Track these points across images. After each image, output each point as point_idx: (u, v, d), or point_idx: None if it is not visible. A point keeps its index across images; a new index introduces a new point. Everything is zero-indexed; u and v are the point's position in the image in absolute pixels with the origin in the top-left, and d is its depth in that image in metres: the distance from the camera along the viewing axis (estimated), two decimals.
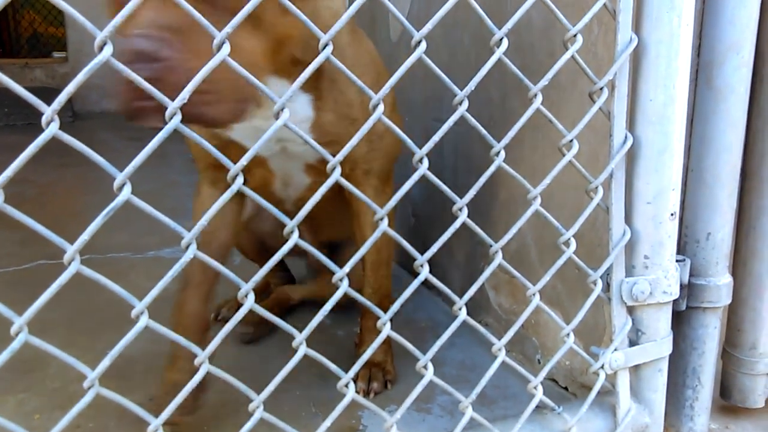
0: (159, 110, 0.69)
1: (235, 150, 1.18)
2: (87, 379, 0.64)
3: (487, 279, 1.67)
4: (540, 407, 1.06)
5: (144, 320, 0.66)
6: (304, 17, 0.70)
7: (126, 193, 0.62)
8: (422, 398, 1.41)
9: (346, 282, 0.80)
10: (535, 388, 1.00)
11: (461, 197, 0.87)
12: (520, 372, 1.02)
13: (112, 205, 0.61)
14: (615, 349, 1.04)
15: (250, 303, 0.73)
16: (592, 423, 1.06)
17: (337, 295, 0.80)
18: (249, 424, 0.78)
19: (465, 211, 0.88)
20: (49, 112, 0.56)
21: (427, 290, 2.04)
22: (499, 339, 0.96)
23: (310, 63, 0.99)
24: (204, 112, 0.84)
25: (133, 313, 0.66)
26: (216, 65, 0.64)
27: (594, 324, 1.31)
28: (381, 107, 0.76)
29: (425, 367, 0.90)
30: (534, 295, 0.97)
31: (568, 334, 1.02)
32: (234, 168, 0.68)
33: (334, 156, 0.77)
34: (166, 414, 0.69)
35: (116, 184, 0.62)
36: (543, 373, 1.00)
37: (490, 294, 1.71)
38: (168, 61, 0.79)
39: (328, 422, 0.82)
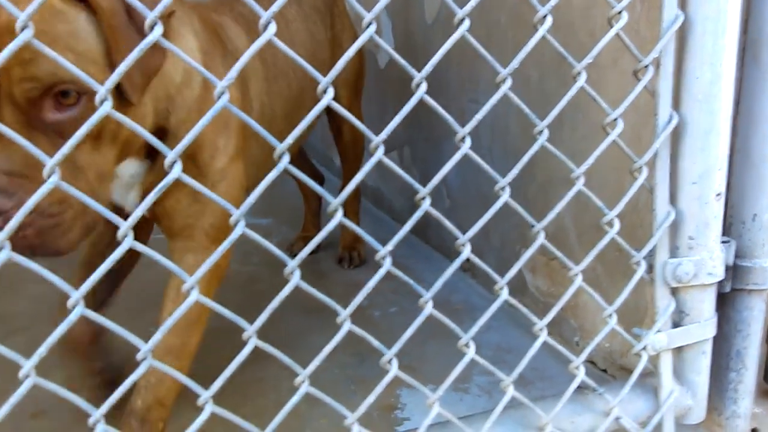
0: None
1: None
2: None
3: (525, 262, 1.67)
4: (581, 388, 1.05)
5: None
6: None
7: None
8: (460, 378, 1.41)
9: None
10: (576, 368, 1.00)
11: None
12: (561, 352, 1.01)
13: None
14: (658, 331, 1.03)
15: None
16: (634, 404, 1.05)
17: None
18: (294, 399, 0.80)
19: (507, 191, 0.88)
20: None
21: (462, 273, 2.05)
22: (537, 320, 0.96)
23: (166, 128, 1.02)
24: (49, 244, 0.83)
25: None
26: (46, 192, 0.58)
27: (635, 306, 1.30)
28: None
29: (467, 345, 0.91)
30: (576, 275, 0.97)
31: (611, 315, 1.01)
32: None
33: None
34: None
35: None
36: (585, 354, 1.00)
37: (527, 277, 1.70)
38: (14, 210, 0.76)
39: (371, 398, 0.83)
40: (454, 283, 2.01)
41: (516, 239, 1.78)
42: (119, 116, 0.61)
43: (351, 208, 2.16)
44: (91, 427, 0.64)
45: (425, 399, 0.90)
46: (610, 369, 1.41)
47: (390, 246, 0.83)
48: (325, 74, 0.69)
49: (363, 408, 0.83)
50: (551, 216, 0.91)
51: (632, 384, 1.03)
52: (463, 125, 0.82)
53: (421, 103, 0.79)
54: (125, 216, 0.61)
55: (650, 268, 1.05)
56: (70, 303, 0.59)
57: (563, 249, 1.52)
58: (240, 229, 0.69)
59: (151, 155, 1.06)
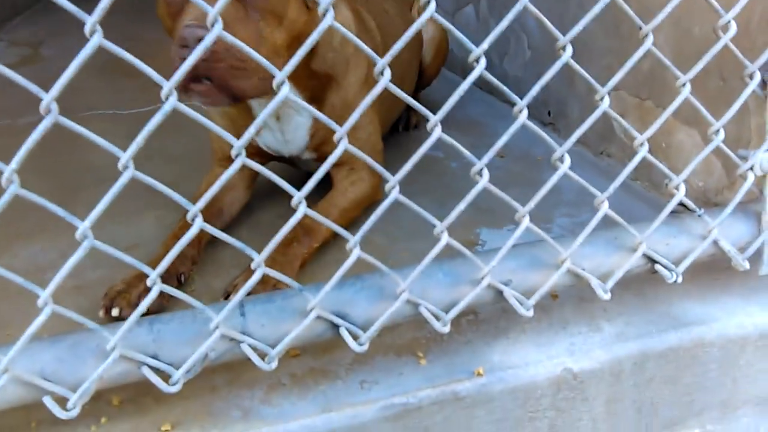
0: (208, 92, 1.03)
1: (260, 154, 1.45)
2: None
3: (613, 106, 1.57)
4: (676, 212, 1.01)
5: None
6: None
7: None
8: (542, 218, 1.39)
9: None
10: (676, 188, 0.95)
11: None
12: (650, 198, 0.96)
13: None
14: (767, 150, 0.95)
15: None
16: (734, 228, 1.00)
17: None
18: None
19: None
20: None
21: (543, 126, 1.97)
22: (623, 169, 0.89)
23: (323, 75, 1.32)
24: (235, 85, 1.04)
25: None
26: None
27: (737, 135, 1.21)
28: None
29: (560, 159, 0.86)
30: (684, 85, 0.89)
31: (717, 131, 0.94)
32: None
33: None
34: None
35: None
36: (686, 172, 0.94)
37: (614, 122, 1.62)
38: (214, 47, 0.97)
39: (462, 205, 0.81)
40: (534, 138, 1.95)
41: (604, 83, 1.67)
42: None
43: None
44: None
45: (504, 238, 0.87)
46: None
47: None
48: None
49: (453, 215, 0.82)
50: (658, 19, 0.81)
51: (734, 207, 0.97)
52: None
53: None
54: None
55: (764, 84, 0.96)
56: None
57: (659, 89, 1.43)
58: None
59: (316, 99, 1.32)
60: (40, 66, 3.07)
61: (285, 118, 1.34)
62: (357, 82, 1.40)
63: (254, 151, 1.43)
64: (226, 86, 1.04)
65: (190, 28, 0.96)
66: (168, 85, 0.65)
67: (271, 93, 1.02)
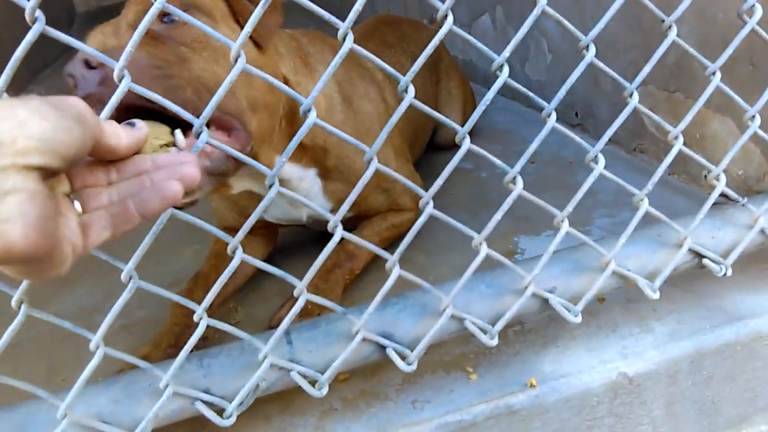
0: None
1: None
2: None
3: (642, 100, 1.55)
4: (718, 204, 0.99)
5: None
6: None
7: None
8: (581, 221, 1.37)
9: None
10: (716, 178, 0.93)
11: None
12: (689, 191, 0.94)
13: None
14: None
15: None
16: None
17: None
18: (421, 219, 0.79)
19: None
20: None
21: (572, 128, 1.95)
22: (659, 164, 0.88)
23: (312, 148, 1.19)
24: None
25: None
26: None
27: None
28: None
29: (594, 160, 0.85)
30: (713, 74, 0.87)
31: (753, 117, 0.92)
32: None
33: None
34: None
35: None
36: (725, 161, 0.92)
37: (645, 117, 1.59)
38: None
39: (498, 215, 0.80)
40: (563, 140, 1.93)
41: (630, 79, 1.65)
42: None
43: None
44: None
45: (543, 244, 0.86)
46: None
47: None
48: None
49: (491, 226, 0.81)
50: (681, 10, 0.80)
51: None
52: None
53: None
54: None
55: None
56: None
57: (687, 80, 1.40)
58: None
59: (319, 163, 1.22)
60: None
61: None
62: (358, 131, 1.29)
63: (264, 224, 1.34)
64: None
65: (69, 64, 0.83)
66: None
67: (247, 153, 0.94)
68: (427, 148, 1.86)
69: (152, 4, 0.63)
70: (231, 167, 0.90)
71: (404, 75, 0.73)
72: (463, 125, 0.77)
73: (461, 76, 2.01)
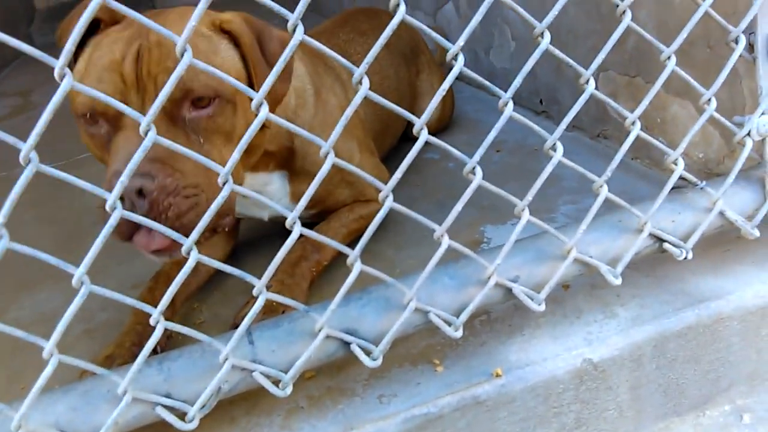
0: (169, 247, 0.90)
1: None
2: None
3: (603, 86, 1.56)
4: (678, 188, 0.99)
5: None
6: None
7: None
8: (545, 209, 1.38)
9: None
10: (674, 162, 0.93)
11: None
12: (651, 175, 0.94)
13: None
14: (762, 113, 0.94)
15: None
16: (739, 197, 0.99)
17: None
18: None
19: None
20: None
21: (536, 116, 1.96)
22: (619, 148, 0.88)
23: (278, 152, 1.21)
24: (185, 223, 0.90)
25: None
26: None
27: (731, 104, 1.20)
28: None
29: (553, 148, 0.85)
30: (669, 58, 0.88)
31: (709, 101, 0.92)
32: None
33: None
34: None
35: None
36: (682, 146, 0.92)
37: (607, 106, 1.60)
38: (162, 190, 0.88)
39: (459, 206, 0.80)
40: (528, 128, 1.94)
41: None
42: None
43: None
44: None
45: (509, 233, 0.85)
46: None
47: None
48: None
49: (451, 218, 0.80)
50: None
51: (736, 175, 0.96)
52: None
53: None
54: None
55: (750, 47, 0.94)
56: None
57: (647, 64, 1.41)
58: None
59: (287, 165, 1.25)
60: (33, 113, 3.09)
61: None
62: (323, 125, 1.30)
63: None
64: (182, 226, 0.89)
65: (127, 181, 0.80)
66: (112, 198, 0.65)
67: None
68: (406, 139, 1.85)
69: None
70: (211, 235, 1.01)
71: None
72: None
73: (442, 72, 2.00)
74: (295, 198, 1.28)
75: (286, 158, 1.24)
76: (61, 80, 0.60)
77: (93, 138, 0.96)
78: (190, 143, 0.94)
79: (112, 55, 0.93)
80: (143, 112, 0.86)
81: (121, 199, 0.81)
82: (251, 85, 1.02)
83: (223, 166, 0.91)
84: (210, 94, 0.94)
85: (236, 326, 1.10)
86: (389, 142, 1.75)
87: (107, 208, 0.66)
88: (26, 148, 0.60)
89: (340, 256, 1.27)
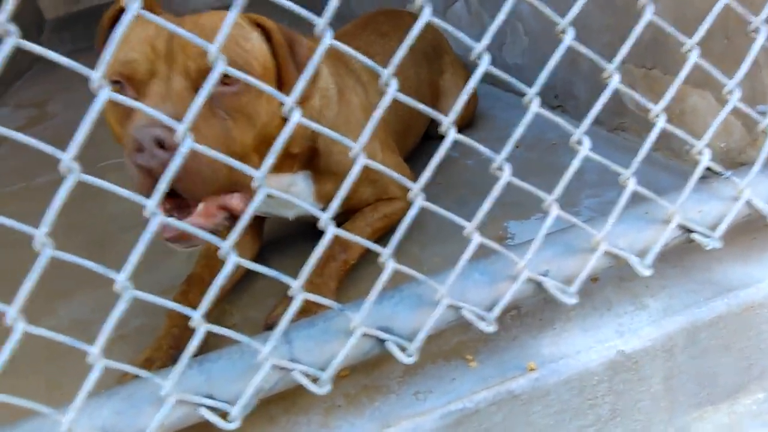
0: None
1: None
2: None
3: (621, 79, 1.56)
4: (703, 178, 1.00)
5: None
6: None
7: None
8: (569, 203, 1.38)
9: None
10: (700, 153, 0.94)
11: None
12: (673, 167, 0.95)
13: None
14: None
15: None
16: (764, 185, 0.99)
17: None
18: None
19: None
20: None
21: (552, 110, 1.96)
22: (640, 142, 0.88)
23: (302, 153, 1.21)
24: (197, 186, 0.92)
25: None
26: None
27: (752, 94, 1.20)
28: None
29: (579, 142, 0.85)
30: (690, 50, 0.88)
31: (732, 91, 0.93)
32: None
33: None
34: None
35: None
36: (707, 136, 0.93)
37: (624, 96, 1.60)
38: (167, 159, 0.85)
39: (486, 205, 0.81)
40: (545, 123, 1.94)
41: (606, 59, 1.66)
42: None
43: None
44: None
45: (532, 228, 0.87)
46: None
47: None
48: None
49: (481, 215, 0.81)
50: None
51: (762, 163, 0.96)
52: None
53: None
54: None
55: None
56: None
57: (664, 56, 1.41)
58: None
59: (311, 165, 1.25)
60: (49, 124, 3.12)
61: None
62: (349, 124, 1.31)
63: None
64: (195, 186, 0.92)
65: (143, 129, 0.86)
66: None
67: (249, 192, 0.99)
68: (426, 137, 1.87)
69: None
70: (231, 224, 0.97)
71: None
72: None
73: (466, 71, 2.01)
74: (320, 197, 1.29)
75: (309, 158, 1.25)
76: (99, 91, 0.61)
77: (115, 108, 0.97)
78: (214, 116, 0.95)
79: (144, 32, 0.95)
80: (170, 81, 0.93)
81: (141, 150, 0.86)
82: (279, 79, 1.04)
83: (241, 148, 0.98)
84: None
85: (268, 327, 1.13)
86: (411, 141, 1.76)
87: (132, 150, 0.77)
88: (67, 158, 0.62)
89: (365, 258, 1.28)
